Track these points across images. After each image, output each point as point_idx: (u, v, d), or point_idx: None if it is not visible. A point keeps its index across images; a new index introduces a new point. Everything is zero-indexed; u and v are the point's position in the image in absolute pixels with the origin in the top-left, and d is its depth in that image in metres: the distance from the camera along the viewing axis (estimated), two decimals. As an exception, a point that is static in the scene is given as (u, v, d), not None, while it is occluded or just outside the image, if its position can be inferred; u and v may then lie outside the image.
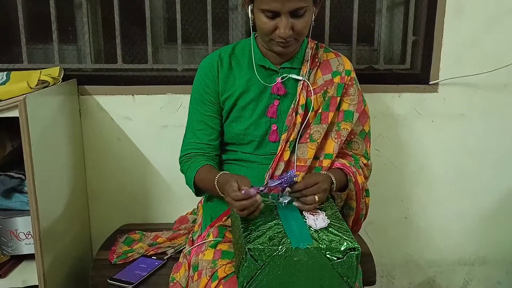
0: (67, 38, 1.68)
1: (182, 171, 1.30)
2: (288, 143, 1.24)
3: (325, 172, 1.21)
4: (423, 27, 1.67)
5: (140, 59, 1.69)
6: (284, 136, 1.24)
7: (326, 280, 0.99)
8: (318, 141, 1.25)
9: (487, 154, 1.78)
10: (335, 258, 0.98)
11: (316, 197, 1.10)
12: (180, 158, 1.31)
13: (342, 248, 0.98)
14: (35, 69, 1.50)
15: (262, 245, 0.97)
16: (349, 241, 0.99)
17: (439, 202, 1.82)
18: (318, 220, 1.05)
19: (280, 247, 0.97)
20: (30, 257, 1.35)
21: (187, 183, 1.27)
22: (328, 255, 0.98)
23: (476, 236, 1.87)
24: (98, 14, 1.69)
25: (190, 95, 1.32)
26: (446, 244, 1.87)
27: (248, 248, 0.96)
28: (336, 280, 0.99)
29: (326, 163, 1.25)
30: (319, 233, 1.02)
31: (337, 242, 0.99)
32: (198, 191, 1.27)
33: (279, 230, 1.02)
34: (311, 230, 1.03)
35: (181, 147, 1.31)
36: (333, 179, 1.18)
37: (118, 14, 1.59)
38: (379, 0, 1.70)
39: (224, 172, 1.17)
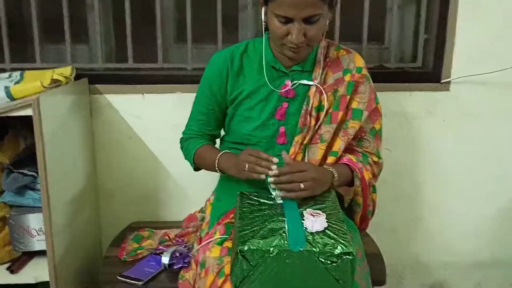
0: (79, 38, 1.71)
1: (181, 148, 1.39)
2: (302, 145, 1.23)
3: (326, 166, 1.20)
4: (435, 25, 1.65)
5: (151, 59, 1.70)
6: (297, 138, 1.23)
7: (321, 284, 0.98)
8: (328, 141, 1.24)
9: (500, 153, 1.75)
10: (329, 262, 0.96)
11: (302, 184, 1.08)
12: (181, 138, 1.39)
13: (336, 253, 0.96)
14: (48, 68, 1.52)
15: (254, 246, 0.96)
16: (344, 245, 0.97)
17: (450, 202, 1.80)
18: (316, 222, 1.02)
19: (271, 248, 0.96)
20: (41, 253, 1.38)
21: (186, 158, 1.37)
22: (321, 259, 0.96)
23: (490, 237, 1.84)
24: (109, 14, 1.71)
25: None
26: (458, 246, 1.84)
27: (240, 249, 0.96)
28: (331, 284, 0.97)
29: (330, 160, 1.24)
30: (314, 236, 0.99)
31: (331, 246, 0.97)
32: (196, 167, 1.35)
33: (275, 231, 1.01)
34: (307, 232, 1.01)
35: (184, 128, 1.38)
36: (335, 173, 1.17)
37: (129, 14, 1.61)
38: (390, -2, 1.69)
39: (226, 151, 1.25)
